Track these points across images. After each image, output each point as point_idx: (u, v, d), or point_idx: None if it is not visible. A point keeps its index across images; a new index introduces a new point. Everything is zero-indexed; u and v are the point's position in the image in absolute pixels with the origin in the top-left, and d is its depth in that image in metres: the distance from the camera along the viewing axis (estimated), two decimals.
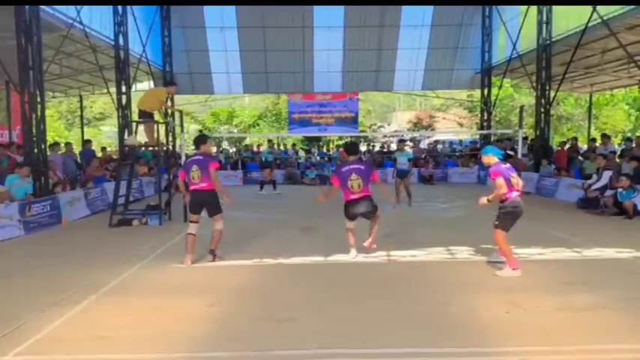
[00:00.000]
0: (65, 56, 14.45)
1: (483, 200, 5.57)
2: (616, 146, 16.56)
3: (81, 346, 3.69)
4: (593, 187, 10.36)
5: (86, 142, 15.75)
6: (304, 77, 20.41)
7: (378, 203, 6.34)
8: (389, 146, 26.23)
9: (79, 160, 13.62)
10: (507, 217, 5.43)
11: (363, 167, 6.12)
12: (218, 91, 20.99)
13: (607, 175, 10.21)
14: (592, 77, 18.02)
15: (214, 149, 6.52)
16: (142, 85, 18.71)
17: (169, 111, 10.56)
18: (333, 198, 6.35)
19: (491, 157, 5.59)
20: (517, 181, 5.54)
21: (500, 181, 5.32)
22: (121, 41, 14.44)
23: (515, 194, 5.44)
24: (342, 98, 21.17)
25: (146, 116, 9.19)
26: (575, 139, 17.19)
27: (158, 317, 4.27)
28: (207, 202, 6.10)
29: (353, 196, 5.99)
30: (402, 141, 12.81)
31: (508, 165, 5.64)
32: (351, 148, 6.57)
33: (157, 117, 9.49)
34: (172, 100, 11.65)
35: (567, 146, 16.01)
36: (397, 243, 7.08)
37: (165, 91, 9.35)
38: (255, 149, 22.12)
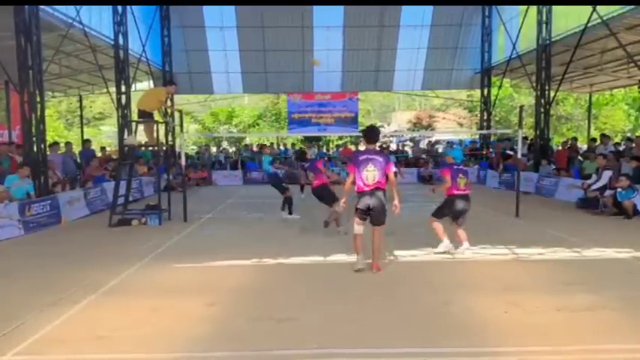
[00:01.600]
0: (65, 56, 14.45)
1: (430, 192, 7.16)
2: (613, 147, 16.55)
3: (80, 345, 3.69)
4: (593, 186, 10.35)
5: (86, 142, 15.73)
6: (304, 77, 20.42)
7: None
8: (388, 146, 26.19)
9: (78, 159, 13.61)
10: (443, 209, 6.53)
11: (381, 159, 5.52)
12: (217, 90, 21.00)
13: (607, 175, 10.20)
14: (591, 77, 18.02)
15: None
16: (142, 85, 18.71)
17: (169, 111, 10.56)
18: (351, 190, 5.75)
19: (449, 159, 6.81)
20: (465, 182, 6.43)
21: (447, 178, 6.44)
22: (120, 41, 14.44)
23: (457, 193, 6.40)
24: (341, 98, 21.17)
25: (146, 116, 9.18)
26: (575, 139, 17.19)
27: (157, 317, 4.27)
28: (320, 197, 8.04)
29: (366, 188, 5.48)
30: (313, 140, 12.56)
31: (462, 167, 6.64)
32: (371, 134, 5.77)
33: (156, 117, 9.49)
34: (172, 100, 11.64)
35: (567, 146, 16.01)
36: (397, 243, 7.08)
37: (165, 90, 9.36)
38: (255, 149, 22.12)
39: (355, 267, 5.57)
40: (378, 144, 6.79)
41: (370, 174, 5.46)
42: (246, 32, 19.19)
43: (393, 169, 5.67)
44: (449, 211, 6.48)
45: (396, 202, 5.58)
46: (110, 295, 4.93)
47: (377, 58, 20.08)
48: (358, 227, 5.64)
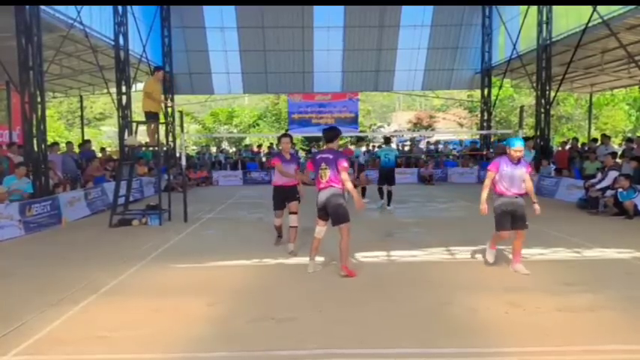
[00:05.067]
0: (65, 56, 14.47)
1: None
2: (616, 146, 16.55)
3: (80, 346, 3.69)
4: (597, 186, 10.30)
5: (85, 142, 15.72)
6: (304, 77, 20.43)
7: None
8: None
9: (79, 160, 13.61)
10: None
11: (331, 157, 5.54)
12: (218, 91, 21.02)
13: (612, 175, 10.14)
14: (592, 77, 18.02)
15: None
16: (142, 85, 18.71)
17: (168, 102, 10.53)
18: (306, 181, 6.57)
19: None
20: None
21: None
22: (121, 41, 14.45)
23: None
24: (341, 98, 21.18)
25: (151, 117, 9.17)
26: (576, 139, 17.21)
27: (157, 317, 4.26)
28: None
29: (320, 185, 5.60)
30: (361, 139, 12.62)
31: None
32: (327, 134, 5.77)
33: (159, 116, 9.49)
34: (164, 82, 11.40)
35: (567, 146, 16.00)
36: (397, 243, 7.08)
37: (153, 79, 9.30)
38: (255, 149, 22.14)
39: (308, 269, 5.67)
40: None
41: (323, 172, 5.55)
42: (246, 32, 19.21)
43: (344, 164, 5.47)
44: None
45: (355, 199, 5.54)
46: (110, 295, 4.93)
47: (377, 58, 20.10)
48: (318, 229, 5.67)
